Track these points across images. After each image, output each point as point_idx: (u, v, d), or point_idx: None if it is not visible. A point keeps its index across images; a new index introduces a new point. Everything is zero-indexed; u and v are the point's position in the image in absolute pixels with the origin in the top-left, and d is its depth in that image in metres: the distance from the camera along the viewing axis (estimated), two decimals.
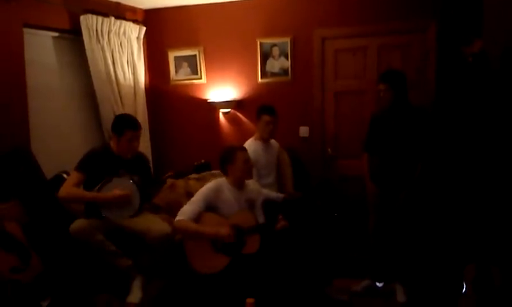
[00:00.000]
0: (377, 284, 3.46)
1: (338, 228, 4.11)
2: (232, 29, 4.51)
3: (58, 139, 3.89)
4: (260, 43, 4.42)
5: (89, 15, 3.89)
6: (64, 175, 3.35)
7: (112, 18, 4.09)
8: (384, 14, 4.08)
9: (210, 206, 3.00)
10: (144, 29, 4.52)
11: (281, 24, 4.36)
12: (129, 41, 4.33)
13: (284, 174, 3.84)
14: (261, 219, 3.16)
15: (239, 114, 4.60)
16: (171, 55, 4.69)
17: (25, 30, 3.48)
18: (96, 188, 3.03)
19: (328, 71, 4.32)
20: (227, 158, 3.06)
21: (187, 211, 2.93)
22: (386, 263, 3.43)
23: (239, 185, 3.09)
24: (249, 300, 2.16)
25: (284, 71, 4.41)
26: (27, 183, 3.16)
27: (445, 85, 3.87)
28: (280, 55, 4.40)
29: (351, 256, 3.93)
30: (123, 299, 3.00)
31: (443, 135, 3.66)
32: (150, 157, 4.19)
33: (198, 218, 2.93)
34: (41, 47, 3.77)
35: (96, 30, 3.95)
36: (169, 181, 3.76)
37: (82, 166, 3.06)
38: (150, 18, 4.67)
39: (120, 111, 4.06)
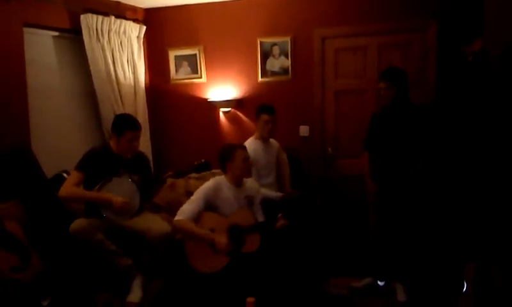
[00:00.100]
0: (379, 282, 3.46)
1: (337, 226, 4.12)
2: (232, 28, 4.50)
3: (58, 138, 3.89)
4: (261, 42, 4.42)
5: (90, 14, 3.89)
6: (65, 175, 3.35)
7: (113, 17, 4.09)
8: (385, 13, 4.08)
9: (210, 205, 3.00)
10: (144, 28, 4.52)
11: (281, 23, 4.36)
12: (129, 40, 4.33)
13: (284, 174, 3.84)
14: (260, 218, 3.16)
15: (239, 113, 4.60)
16: (172, 54, 4.69)
17: (26, 29, 3.47)
18: (97, 187, 3.03)
19: (328, 70, 4.32)
20: (226, 156, 3.07)
21: (186, 210, 2.94)
22: (387, 262, 3.43)
23: (237, 183, 3.10)
24: (250, 300, 2.16)
25: (284, 71, 4.41)
26: (28, 182, 3.16)
27: (446, 84, 3.87)
28: (280, 55, 4.40)
29: (351, 255, 3.94)
30: (123, 298, 3.00)
31: (443, 135, 3.66)
32: (150, 156, 4.19)
33: (197, 217, 2.94)
34: (41, 47, 3.77)
35: (97, 29, 3.94)
36: (169, 180, 3.76)
37: (82, 166, 3.07)
38: (150, 17, 4.67)
39: (120, 110, 4.06)
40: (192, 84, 4.69)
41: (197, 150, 4.44)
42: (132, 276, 3.07)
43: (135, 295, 3.02)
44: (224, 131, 4.67)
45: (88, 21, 3.88)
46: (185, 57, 4.65)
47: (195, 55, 4.62)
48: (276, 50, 4.40)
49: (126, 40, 4.28)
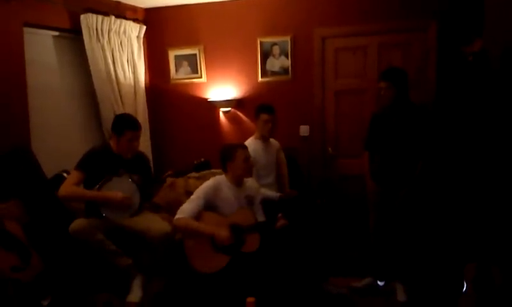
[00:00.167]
0: (379, 282, 3.46)
1: (337, 226, 4.12)
2: (232, 28, 4.50)
3: (58, 138, 3.89)
4: (261, 42, 4.42)
5: (90, 14, 3.89)
6: (65, 174, 3.35)
7: (113, 17, 4.09)
8: (385, 13, 4.08)
9: (210, 204, 3.00)
10: (144, 27, 4.52)
11: (281, 23, 4.36)
12: (129, 40, 4.33)
13: (283, 174, 3.84)
14: (260, 217, 3.16)
15: (239, 113, 4.60)
16: (172, 54, 4.69)
17: (26, 29, 3.47)
18: (96, 187, 3.03)
19: (328, 70, 4.32)
20: (227, 155, 3.07)
21: (186, 209, 2.94)
22: (387, 262, 3.43)
23: (238, 182, 3.10)
24: (250, 300, 2.16)
25: (284, 70, 4.41)
26: (28, 182, 3.16)
27: (446, 84, 3.87)
28: (280, 54, 4.40)
29: (351, 255, 3.93)
30: (123, 298, 3.00)
31: (443, 134, 3.66)
32: (150, 156, 4.20)
33: (197, 217, 2.94)
34: (41, 46, 3.77)
35: (97, 29, 3.94)
36: (169, 180, 3.76)
37: (82, 165, 3.06)
38: (150, 17, 4.67)
39: (120, 110, 4.06)
40: (192, 83, 4.69)
41: (197, 150, 4.45)
42: (132, 276, 3.07)
43: (135, 295, 3.02)
44: (224, 131, 4.67)
45: (88, 21, 3.88)
46: (185, 57, 4.65)
47: (195, 55, 4.62)
48: (276, 49, 4.40)
49: (126, 40, 4.28)
